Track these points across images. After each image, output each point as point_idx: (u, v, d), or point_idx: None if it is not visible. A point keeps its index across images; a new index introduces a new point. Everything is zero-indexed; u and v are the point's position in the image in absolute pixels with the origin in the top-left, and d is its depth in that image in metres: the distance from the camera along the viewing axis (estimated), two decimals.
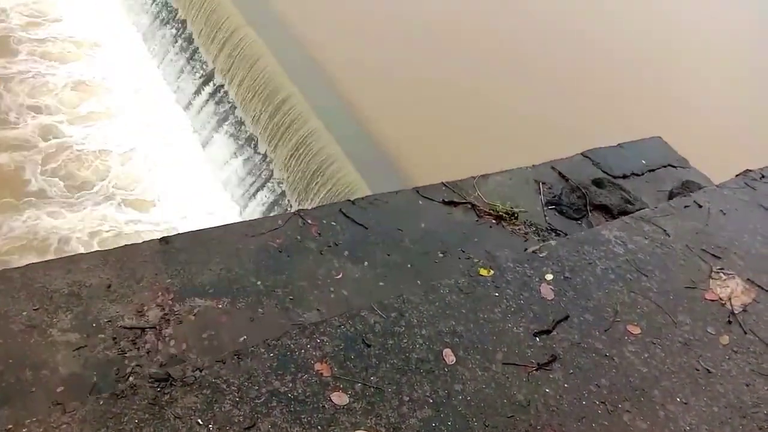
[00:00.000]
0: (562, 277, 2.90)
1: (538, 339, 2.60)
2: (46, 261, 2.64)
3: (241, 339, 2.57)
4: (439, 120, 9.29)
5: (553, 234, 3.74)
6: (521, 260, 2.98)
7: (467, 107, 9.70)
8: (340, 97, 9.19)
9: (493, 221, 3.68)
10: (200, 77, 10.51)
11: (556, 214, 3.98)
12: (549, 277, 2.89)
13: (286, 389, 2.17)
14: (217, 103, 10.10)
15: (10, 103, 9.96)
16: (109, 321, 2.49)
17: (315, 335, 2.38)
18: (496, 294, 2.75)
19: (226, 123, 9.87)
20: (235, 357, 2.22)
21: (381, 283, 3.00)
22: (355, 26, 11.34)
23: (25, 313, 2.41)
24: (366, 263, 3.08)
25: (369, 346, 2.39)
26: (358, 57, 10.33)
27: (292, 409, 2.11)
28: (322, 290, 2.86)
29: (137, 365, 2.37)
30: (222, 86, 10.11)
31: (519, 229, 3.69)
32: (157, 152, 10.04)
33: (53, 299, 2.49)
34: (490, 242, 3.49)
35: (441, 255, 3.29)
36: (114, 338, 2.43)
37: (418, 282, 3.05)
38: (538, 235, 3.70)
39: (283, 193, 8.47)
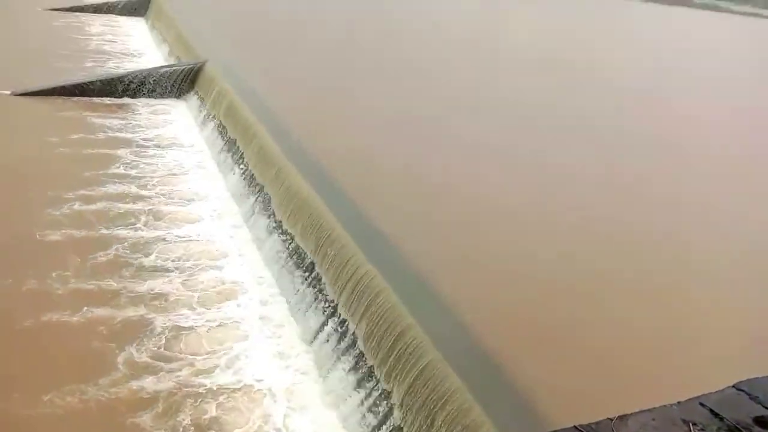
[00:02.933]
0: None
1: None
2: None
3: None
4: (569, 352, 8.87)
5: None
6: None
7: (599, 337, 9.26)
8: (463, 330, 9.16)
9: None
10: (325, 312, 11.04)
11: None
12: None
13: None
14: (340, 338, 10.40)
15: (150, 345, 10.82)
16: None
17: None
18: None
19: (347, 356, 10.03)
20: None
21: None
22: (473, 259, 11.75)
23: None
24: None
25: None
26: (483, 292, 10.50)
27: None
28: None
29: None
30: (345, 321, 10.51)
31: None
32: (278, 383, 10.21)
33: None
34: None
35: None
36: None
37: None
38: None
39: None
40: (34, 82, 21.43)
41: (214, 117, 20.16)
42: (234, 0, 46.73)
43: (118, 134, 18.95)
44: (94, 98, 21.67)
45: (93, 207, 14.51)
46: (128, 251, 12.97)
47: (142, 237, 13.58)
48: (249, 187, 15.89)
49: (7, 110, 19.84)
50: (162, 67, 24.11)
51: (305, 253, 12.39)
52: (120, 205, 14.80)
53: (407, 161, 16.48)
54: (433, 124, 20.20)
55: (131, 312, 11.16)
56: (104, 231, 13.54)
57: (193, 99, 22.63)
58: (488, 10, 75.20)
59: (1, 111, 19.73)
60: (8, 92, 20.73)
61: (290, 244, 13.03)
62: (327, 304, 11.15)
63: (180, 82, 22.95)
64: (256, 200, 15.15)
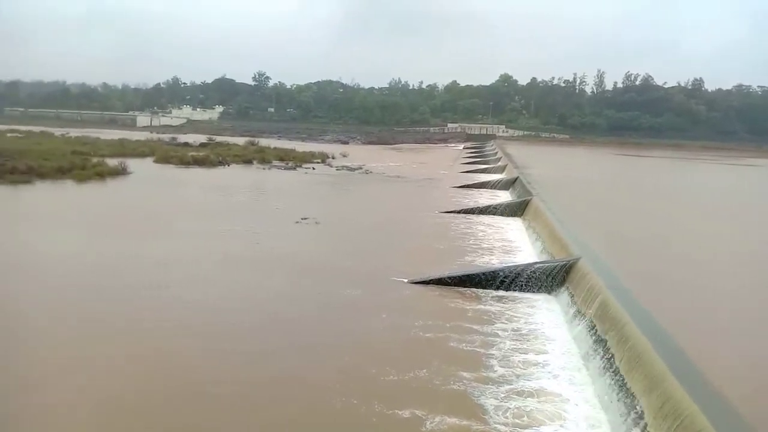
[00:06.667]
0: None
1: None
2: None
3: None
4: None
5: None
6: None
7: None
8: None
9: None
10: None
11: None
12: None
13: None
14: None
15: None
16: None
17: None
18: None
19: None
20: None
21: None
22: None
23: None
24: None
25: None
26: None
27: None
28: None
29: None
30: None
31: None
32: None
33: None
34: None
35: None
36: None
37: None
38: None
39: None
40: (427, 272, 24.66)
41: (583, 315, 19.58)
42: (612, 201, 47.52)
43: (484, 326, 19.76)
44: (472, 288, 23.54)
45: (443, 388, 15.05)
46: None
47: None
48: (619, 395, 14.37)
49: (401, 294, 23.11)
50: (536, 263, 25.14)
51: None
52: (484, 387, 15.10)
53: None
54: None
55: None
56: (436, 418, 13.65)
57: (563, 295, 22.60)
58: None
59: (398, 295, 22.98)
60: (406, 280, 24.22)
61: None
62: None
63: (552, 278, 23.37)
64: (627, 412, 13.50)
